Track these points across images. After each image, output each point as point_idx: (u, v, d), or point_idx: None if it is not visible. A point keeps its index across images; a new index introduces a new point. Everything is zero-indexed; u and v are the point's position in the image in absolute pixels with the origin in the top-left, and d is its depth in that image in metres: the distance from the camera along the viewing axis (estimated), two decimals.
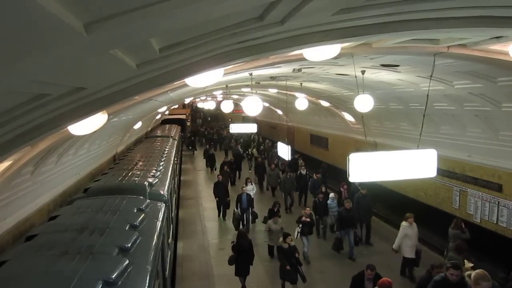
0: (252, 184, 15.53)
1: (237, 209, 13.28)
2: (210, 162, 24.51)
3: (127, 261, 4.24)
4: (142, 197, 7.34)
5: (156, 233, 5.83)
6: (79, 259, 4.08)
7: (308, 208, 11.13)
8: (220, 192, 15.22)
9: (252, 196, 14.71)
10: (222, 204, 15.21)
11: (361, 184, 12.79)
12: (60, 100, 2.68)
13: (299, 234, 10.66)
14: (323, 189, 13.43)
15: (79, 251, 4.33)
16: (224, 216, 15.16)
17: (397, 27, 3.40)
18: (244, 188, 13.83)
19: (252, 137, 32.34)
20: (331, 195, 13.12)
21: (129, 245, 4.80)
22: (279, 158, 20.27)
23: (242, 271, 9.41)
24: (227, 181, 18.12)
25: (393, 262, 10.03)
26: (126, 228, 5.43)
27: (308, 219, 10.76)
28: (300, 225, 10.67)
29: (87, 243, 4.56)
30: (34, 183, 6.68)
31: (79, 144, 8.38)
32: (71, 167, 8.90)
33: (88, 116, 3.60)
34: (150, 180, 8.75)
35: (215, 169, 23.59)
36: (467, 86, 8.83)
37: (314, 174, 16.52)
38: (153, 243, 5.40)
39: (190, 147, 33.93)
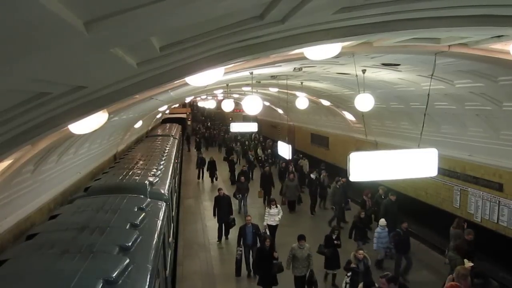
0: (277, 206, 11.85)
1: (239, 246, 9.97)
2: (211, 169, 20.96)
3: (127, 260, 4.25)
4: (142, 196, 7.35)
5: (156, 232, 5.83)
6: (79, 258, 4.09)
7: (361, 251, 8.21)
8: (222, 209, 12.40)
9: (278, 222, 11.76)
10: (224, 223, 12.50)
11: (386, 190, 12.25)
12: (61, 99, 2.67)
13: (347, 285, 7.94)
14: (362, 214, 10.98)
15: (80, 250, 4.33)
16: (227, 234, 12.65)
17: (398, 26, 3.39)
18: (249, 218, 10.26)
19: (252, 136, 32.17)
20: (382, 221, 10.27)
21: (130, 244, 4.81)
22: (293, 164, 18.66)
23: (264, 279, 8.46)
24: (243, 194, 15.31)
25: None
26: (127, 227, 5.43)
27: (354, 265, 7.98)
28: (349, 274, 8.00)
29: (88, 242, 4.56)
30: (35, 182, 6.68)
31: (79, 143, 8.38)
32: (71, 166, 8.90)
33: (88, 115, 3.60)
34: (151, 179, 8.76)
35: (216, 179, 20.90)
36: (468, 85, 8.82)
37: (340, 179, 13.56)
38: (154, 242, 5.40)
39: (196, 149, 32.88)
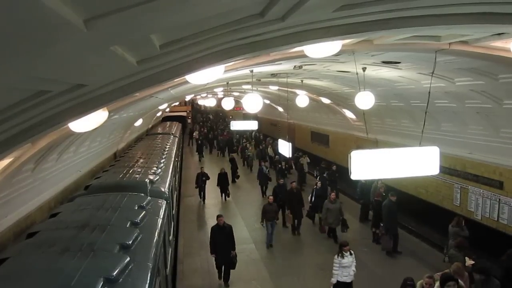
0: (351, 253, 7.98)
1: None
2: (222, 183, 16.92)
3: (128, 258, 4.25)
4: (143, 194, 7.34)
5: (157, 230, 5.83)
6: (80, 256, 4.09)
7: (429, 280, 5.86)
8: (221, 245, 9.22)
9: (353, 276, 7.90)
10: (223, 261, 9.46)
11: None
12: (61, 97, 2.67)
13: None
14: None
15: (80, 248, 4.33)
16: (227, 279, 9.54)
17: (399, 23, 3.39)
18: None
19: (253, 134, 32.08)
20: None
21: (130, 242, 4.81)
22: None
23: None
24: (273, 218, 11.56)
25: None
26: (127, 225, 5.43)
27: None
28: None
29: (88, 240, 4.56)
30: (35, 180, 6.68)
31: (80, 141, 8.38)
32: (72, 164, 8.91)
33: (88, 113, 3.59)
34: (151, 177, 8.76)
35: (229, 196, 17.13)
36: (468, 83, 8.81)
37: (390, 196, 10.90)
38: (154, 240, 5.40)
39: (197, 152, 29.74)
